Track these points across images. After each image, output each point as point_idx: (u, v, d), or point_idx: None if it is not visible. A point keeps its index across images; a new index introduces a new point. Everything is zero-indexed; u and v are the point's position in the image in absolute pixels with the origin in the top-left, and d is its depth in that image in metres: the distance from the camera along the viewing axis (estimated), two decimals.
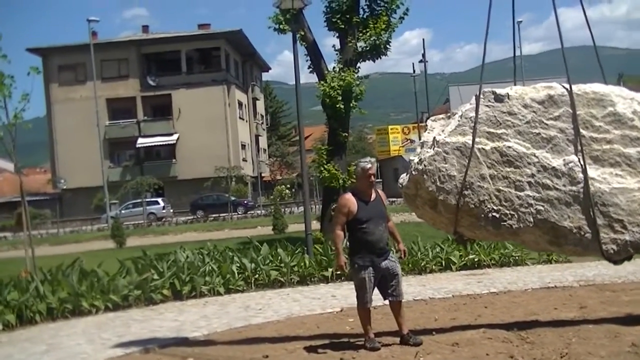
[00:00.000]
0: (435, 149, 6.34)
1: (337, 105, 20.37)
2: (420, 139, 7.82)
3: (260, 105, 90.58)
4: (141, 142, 71.54)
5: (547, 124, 6.24)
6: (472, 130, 6.26)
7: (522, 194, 6.14)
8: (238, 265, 14.84)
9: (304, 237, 20.98)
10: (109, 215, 53.17)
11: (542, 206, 6.08)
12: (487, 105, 6.41)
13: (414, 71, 54.33)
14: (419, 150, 6.71)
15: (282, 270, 14.60)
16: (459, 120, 6.42)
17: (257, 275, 14.73)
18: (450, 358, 8.33)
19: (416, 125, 74.04)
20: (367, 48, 21.06)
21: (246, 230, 37.75)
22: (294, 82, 17.37)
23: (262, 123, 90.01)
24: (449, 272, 15.23)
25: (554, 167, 6.15)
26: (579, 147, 6.08)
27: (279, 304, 12.63)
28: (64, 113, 68.73)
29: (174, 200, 65.24)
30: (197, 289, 13.86)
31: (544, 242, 6.30)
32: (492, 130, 6.32)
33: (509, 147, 6.21)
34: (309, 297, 13.21)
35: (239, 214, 58.31)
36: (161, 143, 71.97)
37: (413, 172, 6.47)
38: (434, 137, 6.50)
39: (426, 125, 7.05)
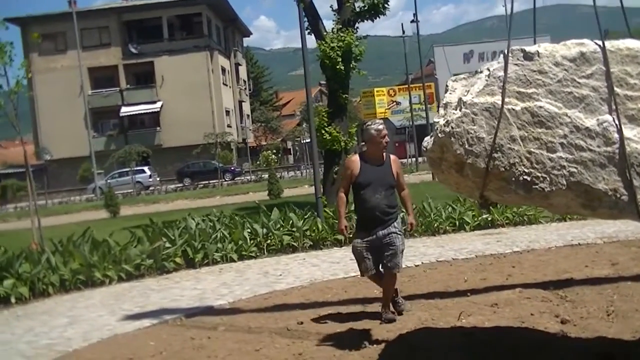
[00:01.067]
0: (463, 110, 6.04)
1: (337, 67, 20.08)
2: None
3: (243, 71, 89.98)
4: (125, 110, 70.83)
5: (579, 83, 5.96)
6: (501, 90, 5.97)
7: (554, 155, 5.88)
8: (249, 231, 14.61)
9: (303, 201, 20.78)
10: (97, 185, 52.63)
11: (576, 168, 5.83)
12: (516, 64, 6.11)
13: (404, 32, 53.83)
14: (442, 112, 6.39)
15: (295, 235, 14.40)
16: (486, 80, 6.12)
17: (269, 241, 14.51)
18: (493, 319, 8.19)
19: (402, 87, 73.81)
20: (365, 8, 20.68)
21: (238, 196, 37.58)
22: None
23: (245, 89, 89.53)
24: (463, 232, 15.13)
25: (587, 127, 5.87)
26: (614, 106, 5.80)
27: (298, 269, 12.45)
28: (45, 84, 67.76)
29: (159, 168, 64.81)
30: (209, 256, 13.63)
31: (577, 206, 6.06)
32: (522, 89, 6.03)
33: (540, 107, 5.93)
34: (327, 261, 13.04)
35: (226, 180, 57.99)
36: (145, 111, 71.29)
37: (439, 135, 6.16)
38: (460, 98, 6.20)
39: (447, 85, 6.72)
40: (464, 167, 6.12)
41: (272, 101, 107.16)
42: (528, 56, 6.13)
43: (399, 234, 8.14)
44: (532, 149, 5.88)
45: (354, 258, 8.44)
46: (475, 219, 15.19)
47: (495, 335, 7.37)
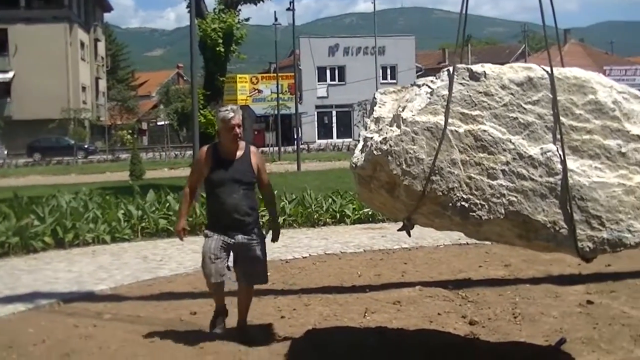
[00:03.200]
0: (403, 128, 5.69)
1: (217, 48, 19.54)
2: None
3: (101, 47, 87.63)
4: None
5: (525, 108, 5.76)
6: (444, 110, 5.68)
7: (494, 182, 5.65)
8: (123, 212, 13.94)
9: (168, 184, 20.12)
10: None
11: (516, 197, 5.63)
12: (461, 84, 5.82)
13: (276, 19, 53.54)
14: (374, 126, 6.02)
15: (172, 218, 13.80)
16: (429, 98, 5.78)
17: (144, 224, 13.88)
18: (400, 317, 8.03)
19: (265, 75, 73.55)
20: None
21: (95, 175, 36.35)
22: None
23: (103, 65, 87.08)
24: (344, 225, 14.97)
25: (530, 155, 5.67)
26: (559, 136, 5.66)
27: (178, 255, 11.98)
28: None
29: (8, 142, 62.06)
30: (80, 236, 12.87)
31: (511, 236, 5.88)
32: (466, 111, 5.76)
33: (484, 130, 5.68)
34: None
35: (80, 158, 56.26)
36: None
37: (375, 152, 5.75)
38: (399, 115, 5.87)
39: (374, 98, 6.36)
40: (397, 188, 5.78)
41: (129, 80, 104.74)
42: (474, 76, 5.84)
43: (260, 245, 7.14)
44: (472, 174, 5.61)
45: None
46: (356, 212, 15.05)
47: (405, 335, 7.16)
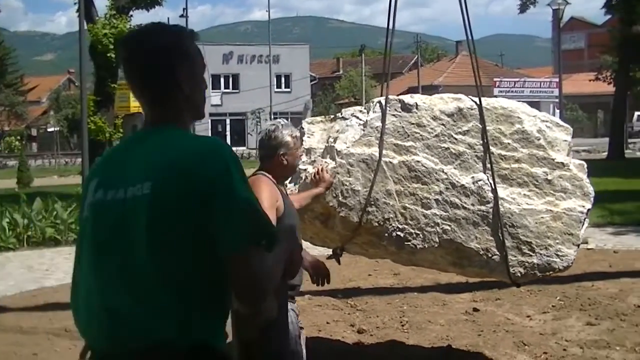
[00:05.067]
0: (338, 160, 5.75)
1: (108, 54, 19.26)
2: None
3: None
4: None
5: (456, 139, 5.91)
6: (378, 142, 5.77)
7: (429, 212, 5.78)
8: (8, 220, 13.56)
9: (57, 192, 19.67)
10: None
11: (449, 226, 5.78)
12: (393, 115, 5.92)
13: None
14: (305, 158, 6.04)
15: (59, 227, 13.49)
16: (362, 130, 5.85)
17: (30, 232, 13.53)
18: None
19: None
20: None
21: None
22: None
23: None
24: None
25: (462, 184, 5.82)
26: (489, 165, 5.83)
27: (66, 264, 11.70)
28: None
29: None
30: None
31: (445, 263, 6.03)
32: (399, 142, 5.87)
33: (417, 161, 5.81)
34: None
35: None
36: None
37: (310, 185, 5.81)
38: (333, 146, 5.93)
39: (302, 128, 6.35)
40: (331, 219, 5.80)
41: (17, 85, 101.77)
42: (406, 108, 5.95)
43: None
44: (407, 205, 5.71)
45: None
46: None
47: None
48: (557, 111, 46.22)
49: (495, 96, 69.88)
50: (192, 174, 2.37)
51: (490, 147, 5.85)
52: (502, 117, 5.99)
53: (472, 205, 5.83)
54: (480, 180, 5.84)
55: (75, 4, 17.97)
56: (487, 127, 5.87)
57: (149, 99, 2.59)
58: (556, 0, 34.44)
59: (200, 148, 2.47)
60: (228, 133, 73.63)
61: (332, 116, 6.38)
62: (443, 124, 5.86)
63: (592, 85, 56.41)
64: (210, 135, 72.96)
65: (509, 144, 5.92)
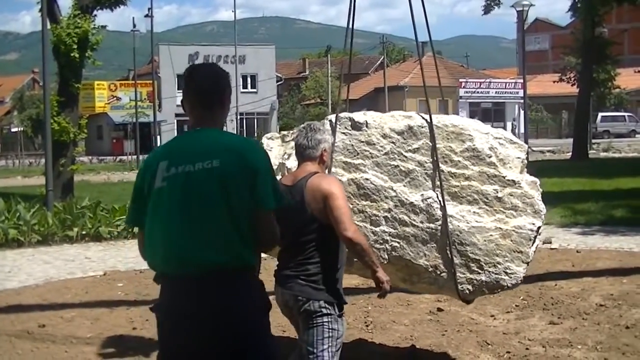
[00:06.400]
0: None
1: (72, 54, 19.05)
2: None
3: None
4: None
5: (405, 156, 5.93)
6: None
7: (377, 229, 5.81)
8: None
9: (21, 192, 19.45)
10: None
11: (398, 243, 5.81)
12: (343, 133, 5.95)
13: (135, 26, 52.55)
14: None
15: (22, 228, 13.37)
16: None
17: None
18: None
19: (123, 82, 72.28)
20: None
21: None
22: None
23: None
24: None
25: (411, 202, 5.86)
26: (438, 182, 5.85)
27: (29, 266, 11.62)
28: None
29: None
30: None
31: (396, 279, 6.04)
32: (349, 160, 5.90)
33: (367, 179, 5.83)
34: (60, 259, 12.31)
35: None
36: None
37: None
38: (283, 163, 5.95)
39: (261, 142, 6.38)
40: None
41: None
42: (356, 126, 5.97)
43: None
44: (356, 222, 5.70)
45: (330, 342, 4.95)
46: None
47: None
48: (522, 112, 46.63)
49: (461, 97, 70.33)
50: (245, 156, 3.69)
51: (440, 165, 5.88)
52: (453, 134, 6.00)
53: (421, 222, 5.86)
54: (429, 198, 5.87)
55: (38, 3, 17.71)
56: (438, 145, 5.89)
57: (204, 110, 3.84)
58: (520, 1, 34.67)
59: (246, 140, 4.05)
60: None
61: (290, 132, 6.38)
62: (393, 142, 5.88)
63: (557, 87, 56.85)
64: (176, 135, 72.74)
65: (459, 161, 5.94)
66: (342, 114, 6.05)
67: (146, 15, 47.88)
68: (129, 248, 13.25)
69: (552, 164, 32.54)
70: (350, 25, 6.32)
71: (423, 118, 6.05)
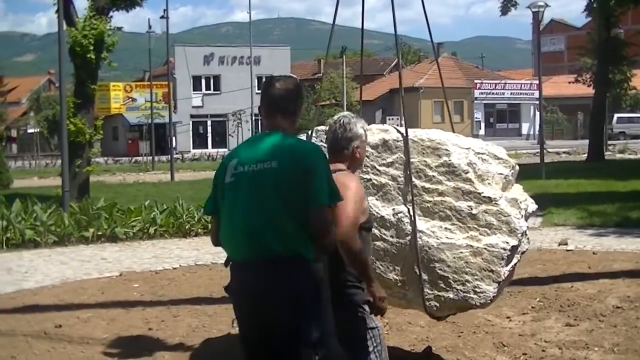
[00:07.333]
0: None
1: (88, 56, 19.13)
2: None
3: None
4: None
5: (379, 170, 5.89)
6: None
7: None
8: None
9: (44, 194, 19.51)
10: None
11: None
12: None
13: (150, 27, 52.75)
14: None
15: (39, 229, 13.42)
16: None
17: (9, 234, 13.46)
18: None
19: (139, 83, 72.52)
20: None
21: None
22: None
23: None
24: None
25: (382, 216, 5.84)
26: (410, 197, 5.80)
27: (45, 266, 11.67)
28: None
29: None
30: None
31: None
32: None
33: None
34: (76, 259, 12.35)
35: None
36: None
37: None
38: None
39: None
40: None
41: None
42: None
43: None
44: None
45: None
46: None
47: None
48: (538, 113, 46.45)
49: (476, 98, 70.08)
50: (300, 157, 4.13)
51: (414, 180, 5.81)
52: (429, 149, 5.92)
53: (392, 237, 5.83)
54: (400, 213, 5.82)
55: (54, 4, 17.79)
56: (413, 159, 5.84)
57: (276, 116, 4.31)
58: (536, 2, 34.53)
59: (304, 144, 4.55)
60: (209, 134, 73.43)
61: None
62: (367, 156, 5.75)
63: (572, 88, 56.55)
64: (191, 136, 72.83)
65: (433, 176, 5.86)
66: (319, 127, 6.06)
67: (161, 17, 47.93)
68: (145, 249, 13.31)
69: (567, 165, 32.45)
70: (361, 26, 6.29)
71: (399, 132, 5.99)
